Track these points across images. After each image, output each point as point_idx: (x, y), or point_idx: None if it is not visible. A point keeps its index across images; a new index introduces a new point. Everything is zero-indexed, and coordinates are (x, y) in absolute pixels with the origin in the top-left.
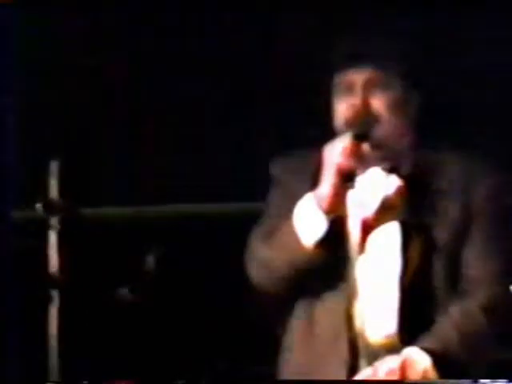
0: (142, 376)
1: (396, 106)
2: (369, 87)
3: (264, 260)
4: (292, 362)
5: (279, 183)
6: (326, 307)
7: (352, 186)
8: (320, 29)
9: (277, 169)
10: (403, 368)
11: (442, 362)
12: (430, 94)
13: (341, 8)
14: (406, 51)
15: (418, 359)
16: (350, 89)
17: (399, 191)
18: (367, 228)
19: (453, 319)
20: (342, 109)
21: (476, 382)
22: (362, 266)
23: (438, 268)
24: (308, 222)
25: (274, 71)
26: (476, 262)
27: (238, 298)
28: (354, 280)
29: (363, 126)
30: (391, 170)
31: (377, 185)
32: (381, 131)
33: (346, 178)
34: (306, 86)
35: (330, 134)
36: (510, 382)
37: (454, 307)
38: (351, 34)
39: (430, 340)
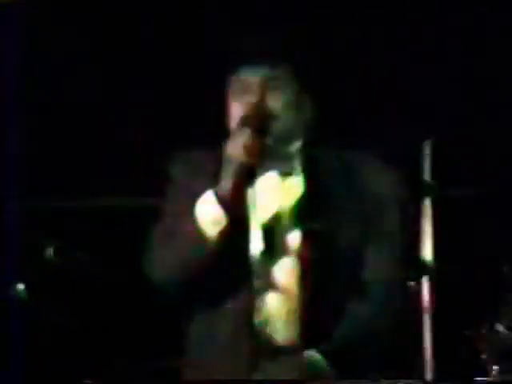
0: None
1: (292, 106)
2: (265, 87)
3: (164, 260)
4: (194, 361)
5: (177, 182)
6: (227, 306)
7: (252, 183)
8: (216, 29)
9: (174, 168)
10: (301, 370)
11: (341, 363)
12: (323, 94)
13: (237, 8)
14: (298, 51)
15: (317, 362)
16: (246, 88)
17: (298, 203)
18: (268, 232)
19: (351, 322)
20: (239, 108)
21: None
22: (264, 265)
23: (340, 271)
24: (209, 217)
25: (170, 71)
26: (373, 265)
27: (143, 294)
28: (256, 279)
29: (262, 122)
30: (288, 174)
31: (274, 189)
32: (279, 129)
33: (247, 174)
34: (201, 86)
35: (224, 133)
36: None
37: (353, 310)
38: (247, 34)
39: (328, 343)
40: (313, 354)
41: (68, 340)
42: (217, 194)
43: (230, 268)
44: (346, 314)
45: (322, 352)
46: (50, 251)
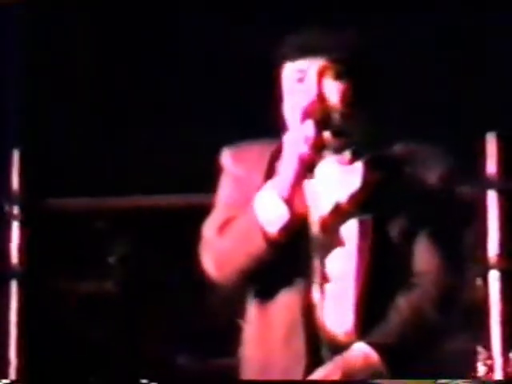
0: (103, 371)
1: (350, 96)
2: (322, 77)
3: (222, 252)
4: (250, 357)
5: (230, 174)
6: (284, 300)
7: (312, 176)
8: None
9: (227, 160)
10: (351, 363)
11: (391, 356)
12: (384, 85)
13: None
14: (357, 42)
15: (366, 354)
16: (302, 78)
17: (355, 194)
18: (324, 224)
19: (401, 313)
20: (296, 99)
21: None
22: (320, 259)
23: (394, 263)
24: (269, 210)
25: (224, 63)
26: (424, 256)
27: (199, 290)
28: (313, 273)
29: (322, 114)
30: (349, 163)
31: (335, 178)
32: (339, 120)
33: (308, 168)
34: (256, 79)
35: (279, 125)
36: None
37: (403, 300)
38: (303, 25)
39: (378, 335)
40: (361, 347)
41: (127, 337)
42: (277, 189)
43: (288, 261)
44: (395, 307)
45: (371, 344)
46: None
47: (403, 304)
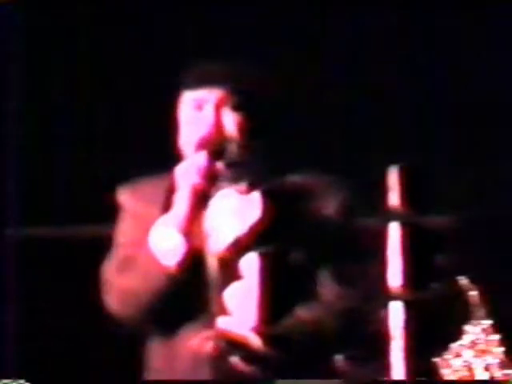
0: None
1: (248, 127)
2: (220, 108)
3: (123, 290)
4: None
5: (128, 211)
6: (187, 334)
7: (207, 207)
8: (173, 48)
9: (124, 197)
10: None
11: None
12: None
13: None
14: (258, 73)
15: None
16: (200, 107)
17: (254, 227)
18: (223, 257)
19: (299, 315)
20: (192, 128)
21: None
22: (222, 289)
23: (295, 295)
24: (165, 243)
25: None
26: (326, 288)
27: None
28: (215, 304)
29: (217, 145)
30: (246, 192)
31: (234, 210)
32: (234, 151)
33: (202, 198)
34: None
35: (175, 155)
36: None
37: (303, 310)
38: (204, 54)
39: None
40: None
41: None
42: (172, 221)
43: (188, 295)
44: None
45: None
46: None
47: (302, 312)
